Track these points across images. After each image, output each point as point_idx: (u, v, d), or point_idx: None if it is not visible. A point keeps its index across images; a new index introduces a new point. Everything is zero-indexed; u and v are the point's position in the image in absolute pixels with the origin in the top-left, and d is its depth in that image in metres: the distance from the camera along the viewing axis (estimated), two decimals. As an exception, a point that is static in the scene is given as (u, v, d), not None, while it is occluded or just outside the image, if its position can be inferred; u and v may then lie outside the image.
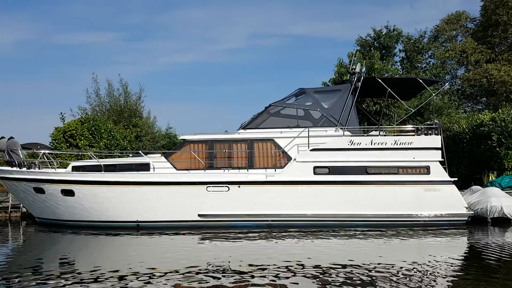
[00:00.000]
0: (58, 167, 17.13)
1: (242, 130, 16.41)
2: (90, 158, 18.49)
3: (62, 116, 23.62)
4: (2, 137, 16.64)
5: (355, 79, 16.26)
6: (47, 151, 16.90)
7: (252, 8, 79.01)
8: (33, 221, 18.35)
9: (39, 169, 16.22)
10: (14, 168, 16.21)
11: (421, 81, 16.31)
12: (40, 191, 15.90)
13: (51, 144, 21.74)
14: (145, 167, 15.86)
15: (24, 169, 16.25)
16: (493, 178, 20.60)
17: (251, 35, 78.38)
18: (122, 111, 28.48)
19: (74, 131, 21.39)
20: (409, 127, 16.19)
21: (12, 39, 68.48)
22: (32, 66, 70.78)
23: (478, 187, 18.05)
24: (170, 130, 35.92)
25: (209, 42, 77.97)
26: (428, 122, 17.33)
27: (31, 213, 17.49)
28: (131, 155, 19.64)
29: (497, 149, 20.85)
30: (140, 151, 16.94)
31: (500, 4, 36.04)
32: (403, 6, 72.93)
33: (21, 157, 16.37)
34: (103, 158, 17.71)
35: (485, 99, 39.52)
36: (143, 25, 76.58)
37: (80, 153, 19.14)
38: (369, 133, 16.69)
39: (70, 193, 15.54)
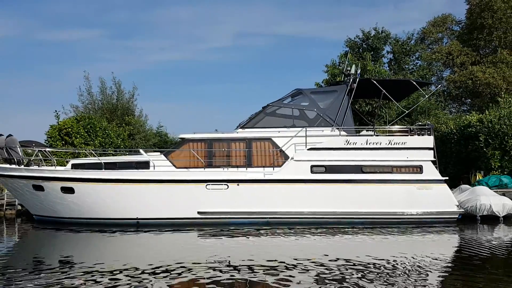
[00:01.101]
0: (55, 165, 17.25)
1: (240, 130, 16.73)
2: (86, 156, 18.60)
3: (57, 114, 23.67)
4: (0, 135, 16.67)
5: (351, 80, 16.71)
6: (48, 149, 16.95)
7: (238, 8, 79.35)
8: (28, 218, 18.40)
9: (38, 166, 16.30)
10: (13, 166, 16.27)
11: (414, 83, 16.87)
12: (39, 188, 15.99)
13: (47, 142, 21.75)
14: (144, 165, 16.07)
15: (22, 166, 16.33)
16: (480, 178, 21.27)
17: (238, 34, 78.70)
18: (115, 109, 28.54)
19: (70, 129, 21.46)
20: (402, 127, 16.69)
21: (-5, 36, 67.62)
22: (15, 63, 69.98)
23: (467, 186, 18.68)
24: (161, 128, 36.02)
25: (196, 41, 78.04)
26: (420, 123, 17.88)
27: (28, 210, 17.52)
28: (127, 153, 19.79)
29: (484, 149, 21.52)
30: (140, 150, 17.13)
31: (485, 7, 36.96)
32: (388, 7, 74.11)
33: (20, 154, 16.41)
34: (98, 156, 17.81)
35: (469, 100, 40.52)
36: (128, 23, 76.33)
37: (76, 151, 19.22)
38: (362, 133, 17.15)
39: (70, 190, 15.67)
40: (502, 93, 28.05)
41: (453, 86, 38.54)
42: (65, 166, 17.13)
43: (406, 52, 37.72)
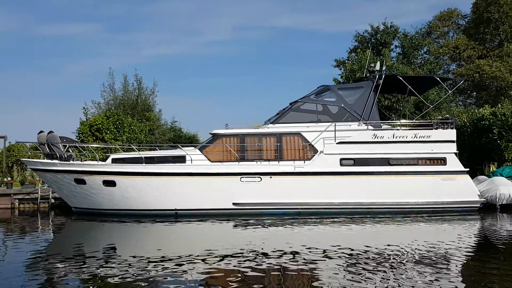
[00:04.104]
0: (88, 159, 18.06)
1: (271, 125, 17.53)
2: (116, 151, 19.38)
3: (85, 110, 24.39)
4: (41, 131, 17.43)
5: (377, 76, 17.50)
6: (94, 145, 17.74)
7: (236, 0, 79.90)
8: (61, 211, 19.12)
9: (81, 161, 17.09)
10: (55, 161, 17.04)
11: (438, 79, 17.70)
12: (81, 182, 16.77)
13: (78, 137, 22.51)
14: (181, 159, 16.87)
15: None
16: (494, 169, 22.12)
17: (236, 27, 79.29)
18: (135, 105, 29.27)
19: (100, 125, 22.20)
20: (425, 121, 17.51)
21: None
22: (12, 58, 70.30)
23: (484, 177, 19.55)
24: (175, 124, 36.70)
25: (193, 34, 78.54)
26: (440, 117, 18.70)
27: (67, 203, 18.28)
28: (158, 148, 20.54)
29: (498, 141, 22.34)
30: (178, 145, 17.92)
31: (491, 2, 37.71)
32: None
33: (62, 150, 17.18)
34: (138, 151, 18.51)
35: (475, 93, 41.37)
36: (126, 16, 76.70)
37: (109, 146, 19.98)
38: (383, 127, 17.91)
39: (111, 183, 16.47)
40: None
41: (451, 78, 39.33)
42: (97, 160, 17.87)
43: (415, 47, 38.38)
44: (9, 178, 21.16)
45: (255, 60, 78.68)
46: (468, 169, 16.98)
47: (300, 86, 75.71)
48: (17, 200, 20.81)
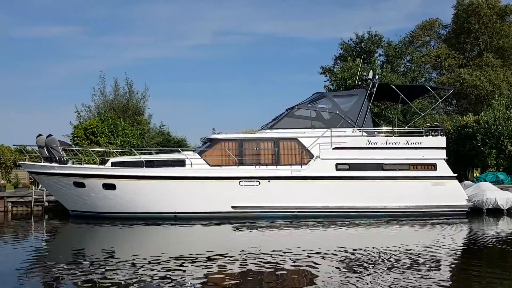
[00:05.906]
0: (84, 163, 18.21)
1: (268, 130, 17.99)
2: (109, 155, 19.57)
3: (79, 114, 24.42)
4: (40, 135, 17.49)
5: (370, 85, 18.16)
6: (96, 149, 17.87)
7: (217, 6, 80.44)
8: (55, 214, 19.13)
9: (81, 164, 17.21)
10: (54, 164, 17.12)
11: (429, 88, 18.48)
12: (80, 185, 16.89)
13: (72, 141, 22.53)
14: (181, 163, 17.16)
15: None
16: (477, 174, 23.05)
17: (216, 33, 79.77)
18: (126, 109, 29.34)
19: (95, 129, 22.29)
20: (416, 129, 18.27)
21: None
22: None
23: (470, 182, 20.39)
24: (163, 127, 36.81)
25: (174, 38, 78.65)
26: (429, 124, 19.47)
27: (64, 206, 18.33)
28: (153, 152, 20.77)
29: (482, 148, 23.28)
30: (178, 149, 18.21)
31: (472, 13, 39.10)
32: (365, 6, 76.61)
33: (61, 153, 17.27)
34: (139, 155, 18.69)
35: (455, 101, 42.69)
36: (107, 19, 76.29)
37: (105, 150, 20.13)
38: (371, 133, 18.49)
39: (111, 187, 16.65)
40: (497, 96, 29.96)
41: (441, 87, 40.52)
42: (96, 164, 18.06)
43: (398, 55, 39.42)
44: (2, 181, 21.03)
45: (235, 66, 79.39)
46: (456, 175, 17.73)
47: (291, 91, 76.71)
48: (10, 203, 20.74)
